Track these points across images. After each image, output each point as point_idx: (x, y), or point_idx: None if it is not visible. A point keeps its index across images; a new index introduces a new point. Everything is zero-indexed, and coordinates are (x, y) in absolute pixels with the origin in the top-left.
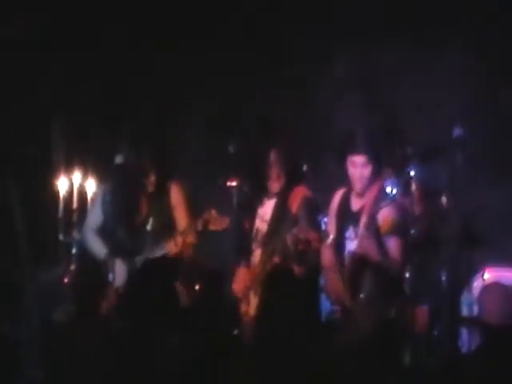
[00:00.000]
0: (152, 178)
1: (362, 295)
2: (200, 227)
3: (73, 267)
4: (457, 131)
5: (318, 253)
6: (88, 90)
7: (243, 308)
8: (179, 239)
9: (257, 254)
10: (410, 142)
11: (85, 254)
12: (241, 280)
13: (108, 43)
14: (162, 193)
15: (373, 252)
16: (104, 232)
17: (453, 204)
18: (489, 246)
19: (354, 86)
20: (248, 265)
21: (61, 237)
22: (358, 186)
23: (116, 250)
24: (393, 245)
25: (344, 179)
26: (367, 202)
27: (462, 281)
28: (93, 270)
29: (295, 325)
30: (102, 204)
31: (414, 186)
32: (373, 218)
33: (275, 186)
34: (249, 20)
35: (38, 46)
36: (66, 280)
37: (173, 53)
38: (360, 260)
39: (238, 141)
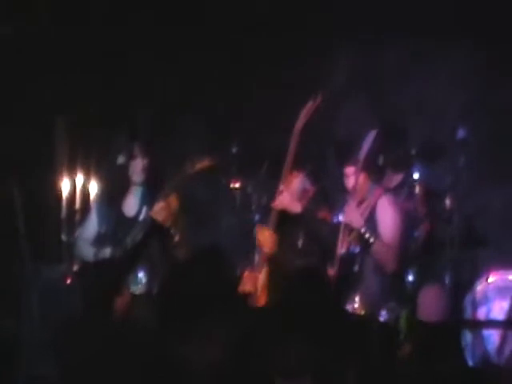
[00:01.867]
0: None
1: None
2: (186, 170)
3: (75, 267)
4: (460, 132)
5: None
6: (91, 91)
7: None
8: (161, 201)
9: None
10: (412, 143)
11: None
12: (248, 284)
13: (110, 44)
14: (154, 187)
15: (358, 220)
16: (100, 239)
17: (456, 205)
18: (493, 248)
19: (355, 87)
20: (252, 267)
21: (63, 237)
22: (354, 195)
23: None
24: (387, 230)
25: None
26: (367, 205)
27: (466, 283)
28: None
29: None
30: (98, 210)
31: (417, 187)
32: (370, 220)
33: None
34: (250, 22)
35: (40, 46)
36: (68, 280)
37: (174, 53)
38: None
39: (240, 141)
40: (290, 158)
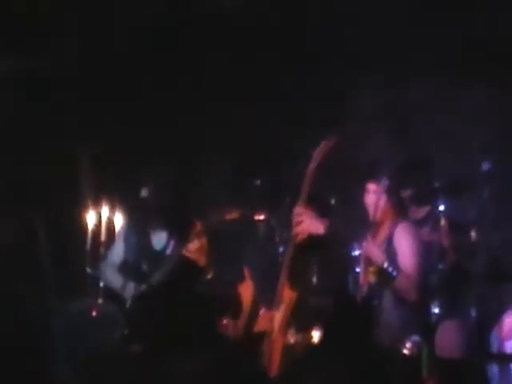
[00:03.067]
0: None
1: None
2: (214, 218)
3: (100, 300)
4: (485, 165)
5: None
6: (115, 124)
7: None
8: (194, 240)
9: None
10: (438, 176)
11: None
12: (264, 322)
13: (134, 79)
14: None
15: (378, 256)
16: (125, 267)
17: (481, 238)
18: None
19: (382, 121)
20: (271, 306)
21: (88, 269)
22: (372, 213)
23: (137, 278)
24: (408, 263)
25: None
26: (383, 228)
27: (492, 317)
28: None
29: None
30: (124, 240)
31: (442, 220)
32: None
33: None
34: (271, 57)
35: (65, 81)
36: (93, 312)
37: (197, 89)
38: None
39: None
40: (303, 197)
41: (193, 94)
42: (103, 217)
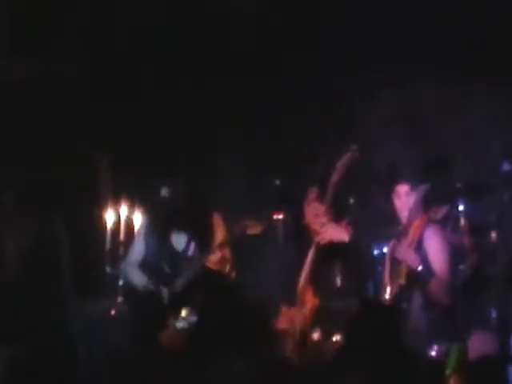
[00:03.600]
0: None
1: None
2: (237, 232)
3: (120, 299)
4: (505, 166)
5: None
6: (135, 124)
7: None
8: (217, 251)
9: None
10: (459, 177)
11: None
12: (285, 320)
13: (150, 80)
14: (201, 225)
15: (413, 260)
16: (146, 266)
17: (502, 240)
18: None
19: (402, 123)
20: (292, 303)
21: (108, 269)
22: (403, 216)
23: (158, 279)
24: (439, 266)
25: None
26: (414, 231)
27: None
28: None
29: None
30: (144, 239)
31: (462, 221)
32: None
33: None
34: (289, 57)
35: (83, 81)
36: (113, 312)
37: (214, 88)
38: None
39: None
40: (326, 209)
41: (211, 94)
42: (122, 216)
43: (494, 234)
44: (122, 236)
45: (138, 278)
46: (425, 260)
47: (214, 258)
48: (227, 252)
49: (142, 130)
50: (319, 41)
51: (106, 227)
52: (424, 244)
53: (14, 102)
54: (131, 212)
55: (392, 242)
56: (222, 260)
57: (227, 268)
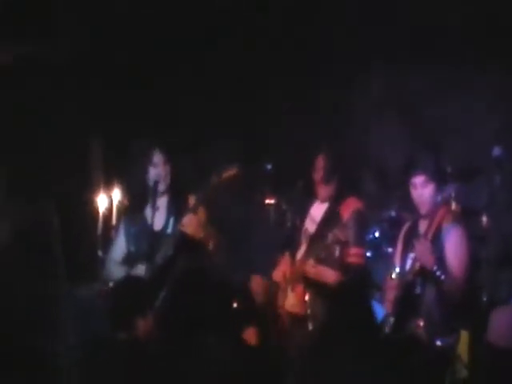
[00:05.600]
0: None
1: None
2: (213, 180)
3: (111, 283)
4: (495, 151)
5: (361, 267)
6: (127, 108)
7: (280, 300)
8: (189, 214)
9: (301, 251)
10: (449, 161)
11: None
12: (282, 268)
13: (144, 65)
14: (179, 196)
15: (430, 259)
16: (129, 260)
17: (492, 224)
18: None
19: (392, 106)
20: (293, 255)
21: (100, 253)
22: (421, 207)
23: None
24: (454, 263)
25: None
26: (433, 225)
27: (502, 302)
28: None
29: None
30: (125, 233)
31: (453, 205)
32: (438, 238)
33: (324, 191)
34: (282, 42)
35: (76, 69)
36: (103, 295)
37: (207, 73)
38: (419, 273)
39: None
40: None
41: (204, 78)
42: (114, 200)
43: (484, 218)
44: (113, 220)
45: (118, 273)
46: (440, 255)
47: (185, 221)
48: (202, 214)
49: (133, 115)
50: (308, 28)
51: (98, 211)
52: (443, 238)
53: (1, 88)
54: (124, 195)
55: (407, 225)
56: (196, 222)
57: (202, 230)
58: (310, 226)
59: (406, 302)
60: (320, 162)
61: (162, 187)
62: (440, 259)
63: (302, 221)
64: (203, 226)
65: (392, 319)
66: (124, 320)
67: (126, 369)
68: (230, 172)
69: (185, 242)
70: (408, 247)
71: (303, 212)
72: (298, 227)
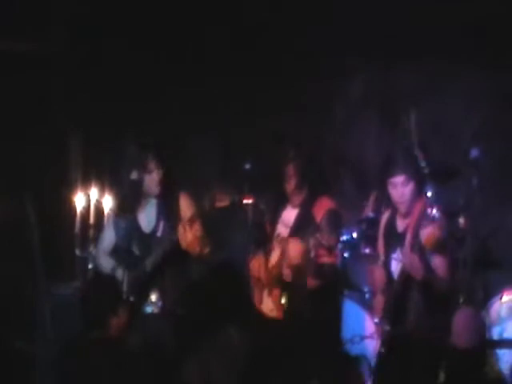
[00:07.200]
0: (159, 182)
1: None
2: (206, 205)
3: (89, 282)
4: (473, 152)
5: (335, 267)
6: (105, 107)
7: (256, 302)
8: (186, 228)
9: (275, 255)
10: (427, 162)
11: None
12: (256, 268)
13: (126, 60)
14: (170, 200)
15: (419, 269)
16: (116, 252)
17: (469, 225)
18: (506, 268)
19: (371, 106)
20: (266, 255)
21: (77, 251)
22: (400, 206)
23: (127, 262)
24: (439, 263)
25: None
26: (411, 222)
27: (480, 303)
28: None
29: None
30: (114, 226)
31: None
32: (417, 236)
33: (296, 198)
34: (264, 40)
35: (54, 63)
36: (81, 294)
37: (189, 68)
38: (407, 279)
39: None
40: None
41: (186, 74)
42: (92, 199)
43: (461, 220)
44: (91, 219)
45: (107, 264)
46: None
47: (185, 236)
48: (197, 228)
49: (115, 109)
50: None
51: (75, 210)
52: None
53: None
54: (101, 194)
55: (384, 220)
56: (194, 237)
57: (199, 247)
58: (283, 230)
59: (397, 307)
60: (290, 170)
61: (154, 191)
62: (426, 263)
63: (274, 225)
64: (198, 239)
65: (384, 323)
66: (97, 318)
67: (101, 367)
68: (225, 202)
69: (176, 252)
70: (389, 240)
71: (276, 215)
72: (270, 229)
